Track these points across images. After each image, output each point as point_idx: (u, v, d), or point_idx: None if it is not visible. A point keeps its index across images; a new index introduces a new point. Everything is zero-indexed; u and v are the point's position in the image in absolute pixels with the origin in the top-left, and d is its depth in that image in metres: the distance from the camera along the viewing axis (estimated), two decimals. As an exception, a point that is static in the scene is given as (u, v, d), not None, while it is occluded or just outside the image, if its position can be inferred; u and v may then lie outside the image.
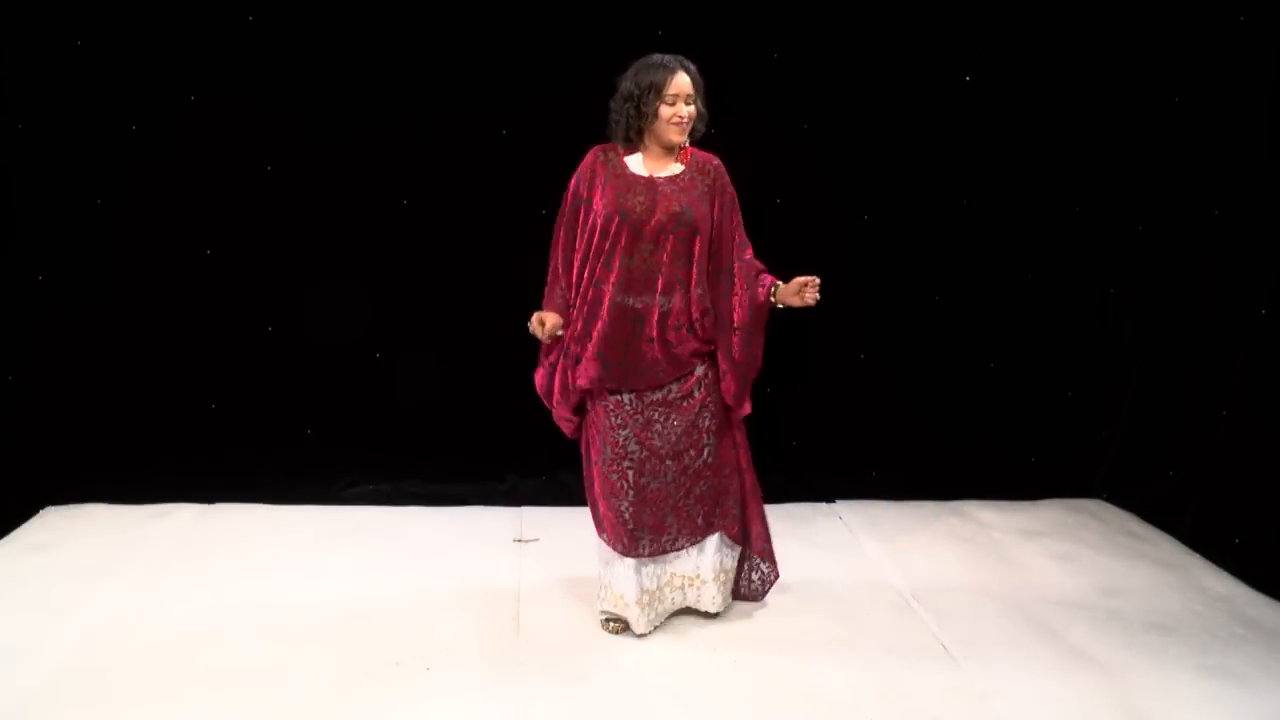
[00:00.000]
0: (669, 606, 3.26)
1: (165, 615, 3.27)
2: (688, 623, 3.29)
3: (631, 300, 3.00)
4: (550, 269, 3.16)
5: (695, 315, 3.05)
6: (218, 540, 3.88)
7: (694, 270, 3.03)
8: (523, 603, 3.41)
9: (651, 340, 3.01)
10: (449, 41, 3.99)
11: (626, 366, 3.02)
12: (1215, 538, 3.93)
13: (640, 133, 3.01)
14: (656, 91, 2.93)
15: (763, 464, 4.36)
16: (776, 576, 3.39)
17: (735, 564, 3.33)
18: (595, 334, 3.02)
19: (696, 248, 3.03)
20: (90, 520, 4.04)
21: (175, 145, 3.98)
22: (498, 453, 4.32)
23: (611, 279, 2.99)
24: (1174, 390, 4.24)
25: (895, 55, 4.13)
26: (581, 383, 3.07)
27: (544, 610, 3.36)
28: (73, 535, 3.89)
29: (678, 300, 3.02)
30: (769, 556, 3.35)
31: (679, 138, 2.99)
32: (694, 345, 3.07)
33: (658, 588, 3.21)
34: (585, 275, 3.04)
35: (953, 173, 4.26)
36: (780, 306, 3.08)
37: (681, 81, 2.94)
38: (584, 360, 3.05)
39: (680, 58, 2.98)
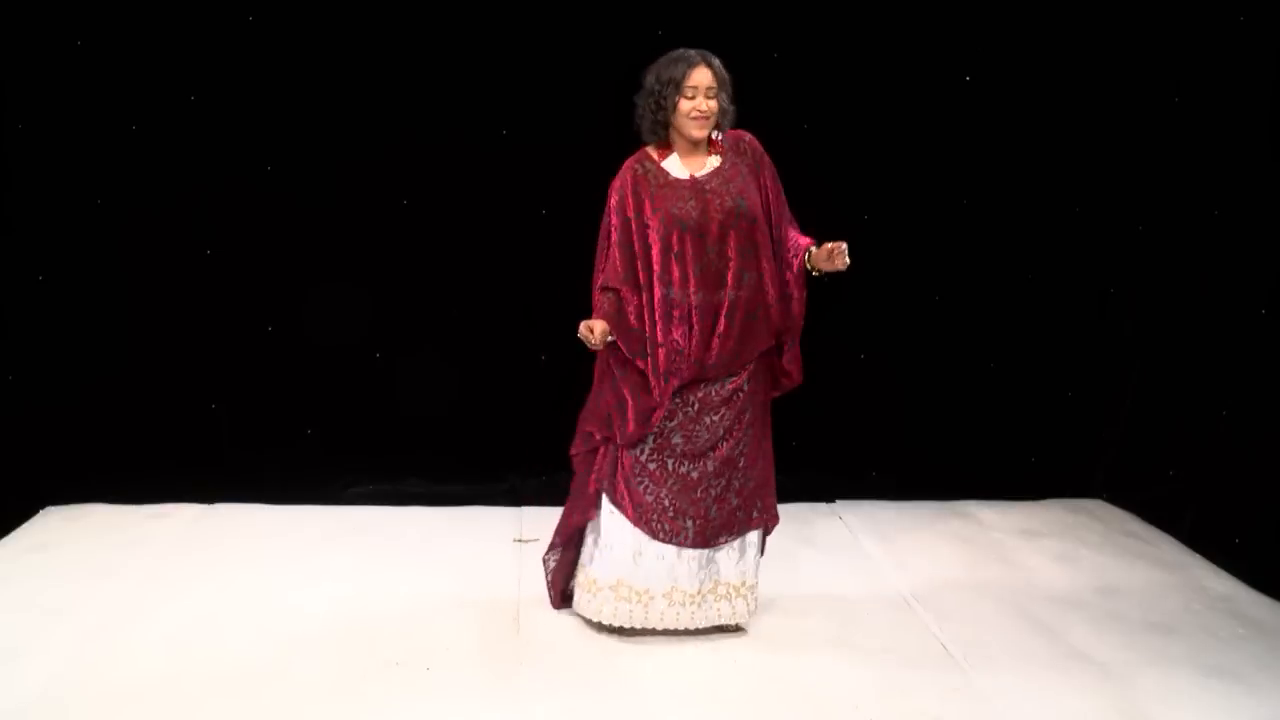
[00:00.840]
0: (712, 618, 3.17)
1: (165, 615, 3.27)
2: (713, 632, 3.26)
3: (704, 299, 2.99)
4: (597, 286, 3.08)
5: (772, 299, 3.05)
6: (218, 540, 3.87)
7: (763, 259, 3.04)
8: (523, 603, 3.41)
9: (721, 335, 3.00)
10: (449, 41, 3.99)
11: (699, 358, 3.00)
12: (1215, 538, 3.93)
13: (665, 127, 3.00)
14: (676, 86, 2.92)
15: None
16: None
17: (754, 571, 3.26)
18: (677, 335, 3.00)
19: (759, 236, 3.03)
20: (90, 520, 4.04)
21: (175, 145, 3.98)
22: (498, 453, 4.32)
23: (680, 282, 2.98)
24: (1174, 390, 4.24)
25: (895, 55, 4.13)
26: (678, 378, 3.00)
27: (544, 610, 3.36)
28: (73, 535, 3.89)
29: (748, 288, 3.02)
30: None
31: (699, 133, 2.97)
32: (763, 336, 3.06)
33: (698, 591, 3.14)
34: (654, 281, 2.99)
35: (953, 173, 4.26)
36: (815, 273, 3.07)
37: (701, 75, 2.92)
38: (667, 354, 2.99)
39: (705, 52, 2.96)
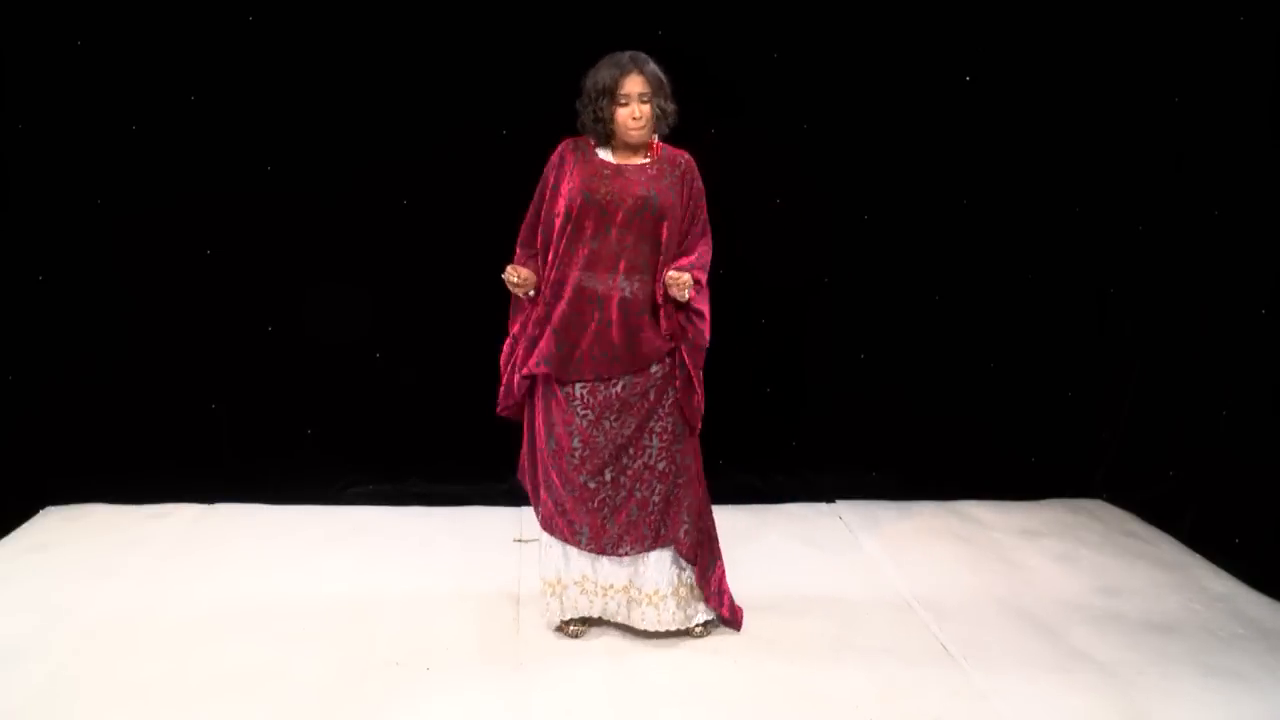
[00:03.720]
0: (609, 613, 3.19)
1: (165, 615, 3.27)
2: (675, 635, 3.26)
3: (594, 283, 2.98)
4: (518, 244, 3.14)
5: (660, 302, 3.01)
6: (218, 540, 3.88)
7: (660, 258, 3.00)
8: (522, 603, 3.41)
9: (610, 324, 2.98)
10: (449, 41, 3.99)
11: (583, 351, 2.99)
12: (1215, 538, 3.93)
13: (609, 133, 3.00)
14: (609, 94, 2.92)
15: (763, 464, 4.42)
16: (735, 623, 3.25)
17: (691, 583, 3.20)
18: (556, 314, 3.01)
19: (664, 234, 2.99)
20: (90, 520, 4.04)
21: (175, 145, 3.98)
22: (498, 453, 4.30)
23: (575, 261, 2.99)
24: (1174, 390, 4.24)
25: (895, 55, 4.13)
26: (533, 366, 3.03)
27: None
28: (73, 535, 3.89)
29: (640, 287, 3.00)
30: (713, 596, 3.19)
31: (636, 138, 2.97)
32: (655, 337, 3.02)
33: (598, 588, 3.16)
34: (550, 259, 3.03)
35: (953, 173, 4.26)
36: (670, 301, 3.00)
37: (633, 82, 2.91)
38: (541, 341, 3.02)
39: (636, 55, 2.95)
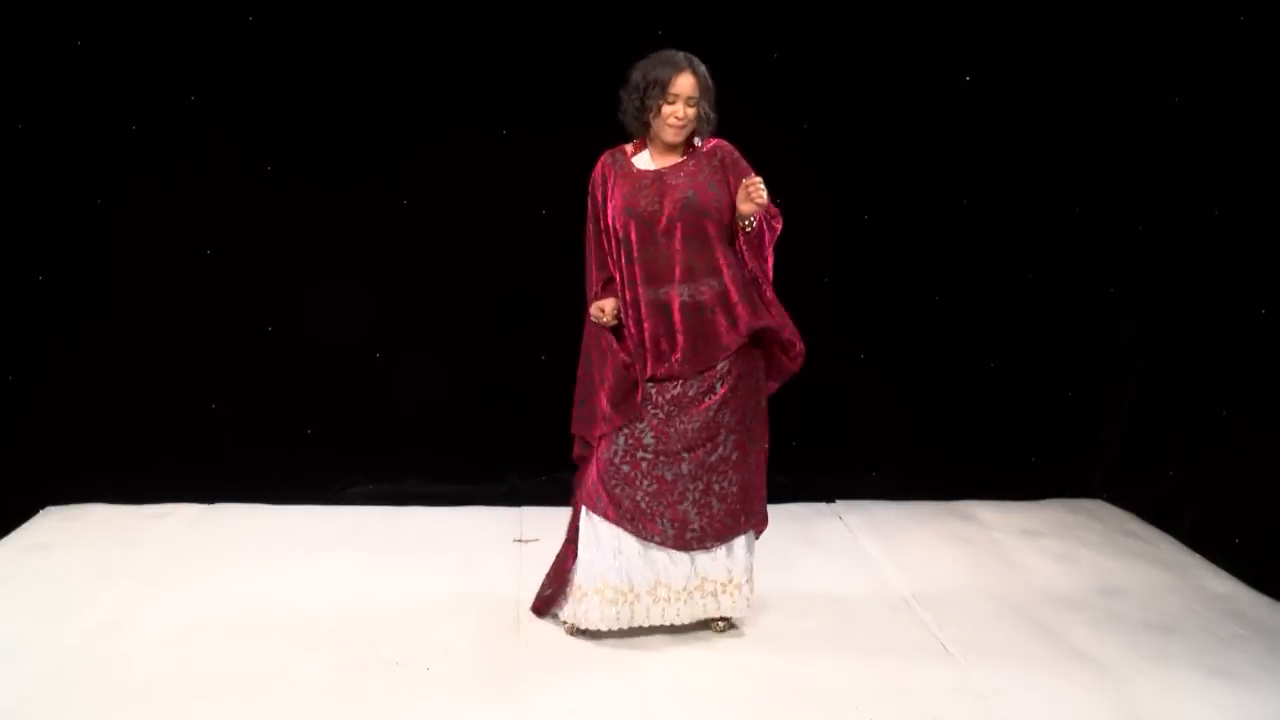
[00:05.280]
0: (698, 612, 3.18)
1: (165, 615, 3.27)
2: (695, 627, 3.26)
3: (656, 293, 3.00)
4: (587, 280, 3.16)
5: (735, 299, 3.01)
6: (218, 540, 3.87)
7: (718, 254, 3.00)
8: (523, 603, 3.40)
9: (676, 331, 3.00)
10: (449, 41, 4.00)
11: (657, 353, 3.02)
12: (1215, 538, 3.93)
13: (645, 125, 3.01)
14: (661, 88, 2.93)
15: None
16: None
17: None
18: (642, 331, 3.02)
19: (711, 231, 2.99)
20: (90, 520, 4.04)
21: (175, 145, 3.98)
22: (498, 453, 4.33)
23: (638, 276, 3.00)
24: (1174, 390, 4.24)
25: (895, 55, 4.13)
26: (651, 371, 3.03)
27: (544, 610, 3.36)
28: (73, 535, 3.89)
29: (706, 288, 3.00)
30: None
31: (674, 138, 2.99)
32: (725, 334, 3.01)
33: (684, 588, 3.14)
34: (620, 279, 3.06)
35: (953, 173, 4.26)
36: (748, 227, 2.97)
37: (685, 82, 2.93)
38: (643, 357, 3.04)
39: (692, 58, 2.97)
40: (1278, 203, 3.78)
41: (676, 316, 2.99)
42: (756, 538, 3.25)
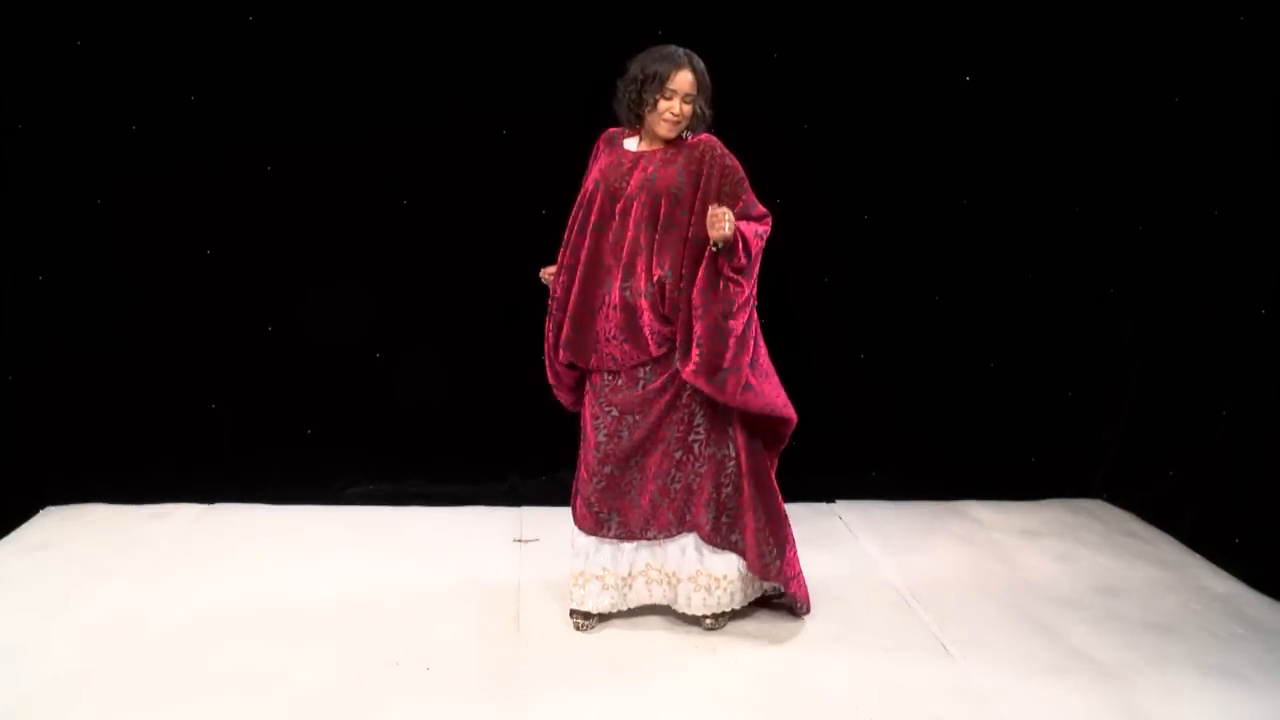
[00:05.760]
0: (641, 598, 3.25)
1: (165, 615, 3.27)
2: (688, 622, 3.28)
3: (600, 267, 3.03)
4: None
5: (652, 286, 2.98)
6: (218, 540, 3.87)
7: (666, 251, 2.97)
8: (523, 603, 3.41)
9: (614, 307, 3.02)
10: (449, 41, 3.99)
11: (594, 334, 3.05)
12: (1215, 538, 3.93)
13: (639, 118, 3.04)
14: (659, 83, 2.94)
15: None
16: (805, 609, 3.31)
17: (739, 573, 3.21)
18: (571, 300, 3.07)
19: (663, 214, 2.96)
20: (90, 520, 4.04)
21: (175, 145, 3.98)
22: (498, 453, 4.32)
23: (586, 245, 3.04)
24: (1174, 390, 4.24)
25: (895, 55, 4.13)
26: (563, 357, 3.14)
27: (544, 610, 3.36)
28: (73, 535, 3.89)
29: (640, 269, 2.99)
30: (781, 577, 3.20)
31: (668, 133, 3.00)
32: (655, 322, 3.00)
33: (629, 573, 3.21)
34: (569, 242, 3.10)
35: (953, 173, 4.26)
36: (716, 249, 2.88)
37: (684, 79, 2.95)
38: (564, 328, 3.10)
39: (692, 54, 2.99)
40: (1278, 203, 3.78)
41: (616, 295, 3.00)
42: (712, 546, 3.17)
